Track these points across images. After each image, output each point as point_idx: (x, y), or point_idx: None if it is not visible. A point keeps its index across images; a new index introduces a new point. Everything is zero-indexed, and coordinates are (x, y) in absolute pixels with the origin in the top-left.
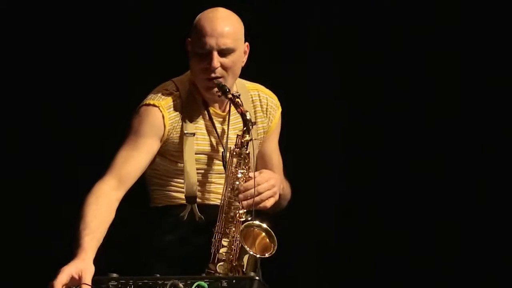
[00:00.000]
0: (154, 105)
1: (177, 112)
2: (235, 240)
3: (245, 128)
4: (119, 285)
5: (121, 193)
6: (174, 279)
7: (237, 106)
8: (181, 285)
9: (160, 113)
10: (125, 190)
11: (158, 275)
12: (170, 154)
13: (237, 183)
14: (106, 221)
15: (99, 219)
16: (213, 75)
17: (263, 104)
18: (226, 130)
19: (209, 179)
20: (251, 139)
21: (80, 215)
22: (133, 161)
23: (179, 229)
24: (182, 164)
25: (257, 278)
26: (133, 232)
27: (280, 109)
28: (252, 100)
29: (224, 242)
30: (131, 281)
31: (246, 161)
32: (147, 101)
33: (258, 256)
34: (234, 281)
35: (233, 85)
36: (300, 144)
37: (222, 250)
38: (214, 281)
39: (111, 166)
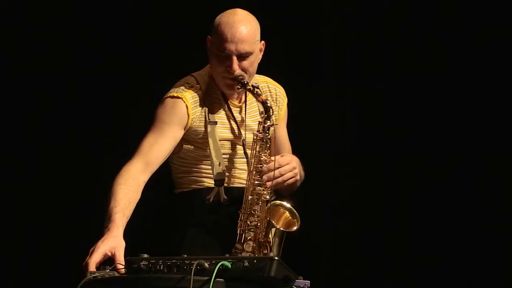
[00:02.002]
0: (178, 97)
1: (199, 103)
2: (261, 219)
3: (266, 115)
4: (150, 265)
5: (147, 176)
6: (200, 259)
7: (257, 95)
8: (206, 264)
9: (184, 104)
10: (151, 173)
11: (185, 255)
12: (195, 141)
13: (260, 166)
14: (134, 201)
15: (128, 198)
16: (232, 74)
17: (273, 94)
18: (244, 118)
19: (232, 165)
20: (273, 124)
21: (111, 194)
22: (159, 147)
23: (206, 211)
24: (209, 150)
25: (276, 258)
26: (159, 217)
27: (286, 99)
28: (263, 91)
29: (250, 221)
30: (160, 261)
31: (268, 145)
32: (171, 93)
33: (285, 230)
34: (255, 261)
35: (251, 80)
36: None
37: (249, 229)
38: (237, 261)
39: (138, 151)
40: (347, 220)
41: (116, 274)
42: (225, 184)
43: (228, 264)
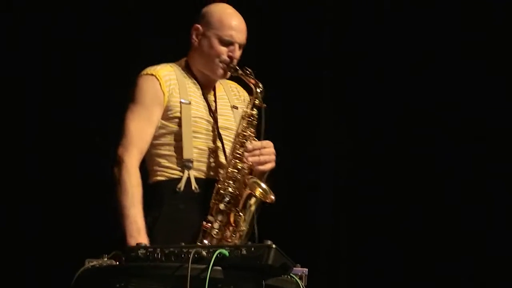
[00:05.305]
0: (151, 74)
1: (172, 81)
2: (236, 193)
3: (256, 97)
4: (148, 253)
5: (139, 164)
6: (198, 247)
7: (250, 78)
8: (204, 252)
9: (157, 81)
10: (140, 160)
11: (183, 244)
12: (167, 117)
13: (244, 141)
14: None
15: (137, 195)
16: (231, 61)
17: (241, 94)
18: (215, 107)
19: (206, 154)
20: (261, 105)
21: (129, 196)
22: (147, 133)
23: (179, 200)
24: (180, 128)
25: (274, 246)
26: None
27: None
28: (232, 89)
29: (226, 194)
30: (158, 249)
31: (255, 123)
32: (143, 72)
33: (262, 200)
34: (252, 248)
35: None
36: None
37: (223, 201)
38: (234, 249)
39: (130, 138)
40: (345, 208)
41: (114, 263)
42: (199, 175)
43: (226, 252)
